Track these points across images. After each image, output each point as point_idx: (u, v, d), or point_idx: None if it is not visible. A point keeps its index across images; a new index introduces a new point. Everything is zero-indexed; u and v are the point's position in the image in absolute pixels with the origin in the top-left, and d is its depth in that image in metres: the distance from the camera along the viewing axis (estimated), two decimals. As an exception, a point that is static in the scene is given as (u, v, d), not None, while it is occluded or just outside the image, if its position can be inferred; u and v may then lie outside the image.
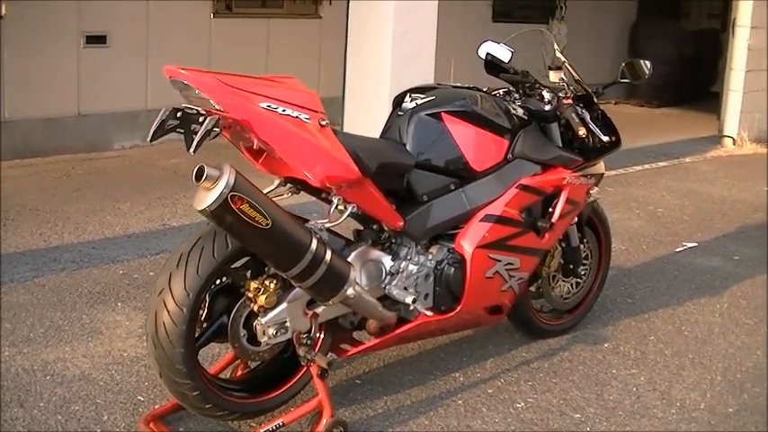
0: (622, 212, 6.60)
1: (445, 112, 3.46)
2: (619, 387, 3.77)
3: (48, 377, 3.54)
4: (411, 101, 3.48)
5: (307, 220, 3.04)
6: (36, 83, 7.00)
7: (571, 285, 4.18)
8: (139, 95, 7.58)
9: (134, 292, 4.49)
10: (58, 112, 7.14)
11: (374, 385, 3.62)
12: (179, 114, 2.82)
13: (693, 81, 12.25)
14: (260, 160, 3.09)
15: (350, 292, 3.00)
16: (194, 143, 2.69)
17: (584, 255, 4.17)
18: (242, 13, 8.26)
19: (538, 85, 3.84)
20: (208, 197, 2.67)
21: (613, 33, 12.17)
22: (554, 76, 3.86)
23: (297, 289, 3.02)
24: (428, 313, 3.35)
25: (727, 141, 9.73)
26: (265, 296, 2.97)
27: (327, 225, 3.03)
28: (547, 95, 3.80)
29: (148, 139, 2.85)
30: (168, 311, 2.85)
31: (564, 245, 4.03)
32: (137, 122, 7.51)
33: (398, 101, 3.55)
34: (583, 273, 4.16)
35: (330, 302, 3.02)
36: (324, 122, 2.94)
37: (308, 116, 2.91)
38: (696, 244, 5.97)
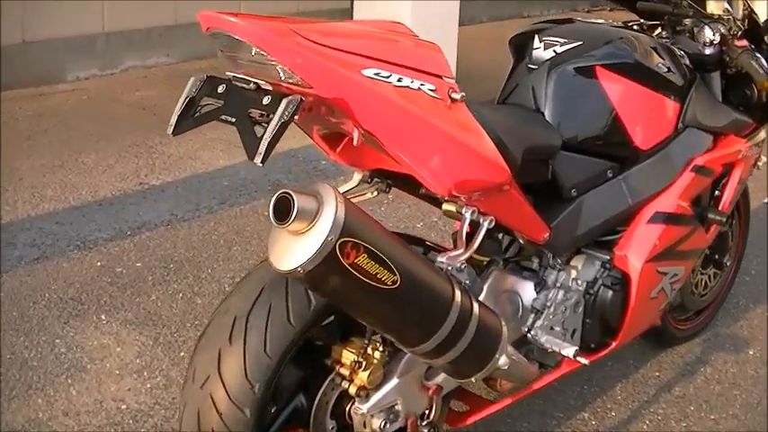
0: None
1: (601, 65, 2.32)
2: (802, 426, 2.78)
3: (17, 457, 2.45)
4: (545, 47, 2.33)
5: (440, 250, 1.95)
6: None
7: (709, 278, 3.15)
8: (95, 17, 6.26)
9: (119, 296, 3.36)
10: (-2, 39, 5.80)
11: (481, 441, 2.59)
12: (221, 89, 1.68)
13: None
14: (338, 148, 1.98)
15: (502, 361, 1.91)
16: (263, 145, 1.55)
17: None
18: None
19: (694, 19, 2.71)
20: (300, 249, 1.54)
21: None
22: (715, 6, 2.72)
23: (409, 354, 1.93)
24: (582, 360, 2.27)
25: None
26: (369, 373, 1.88)
27: (464, 257, 1.92)
28: (708, 33, 2.68)
29: (170, 131, 1.71)
30: (221, 415, 1.75)
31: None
32: (93, 49, 6.26)
33: (521, 45, 2.41)
34: (727, 262, 3.12)
35: (473, 379, 1.94)
36: (456, 95, 1.81)
37: (433, 86, 1.77)
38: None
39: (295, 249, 1.53)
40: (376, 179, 2.13)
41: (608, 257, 2.39)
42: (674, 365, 3.10)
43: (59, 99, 5.85)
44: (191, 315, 3.24)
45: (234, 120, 1.65)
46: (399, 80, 1.71)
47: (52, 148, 4.91)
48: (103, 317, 3.20)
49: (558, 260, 2.34)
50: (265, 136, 1.55)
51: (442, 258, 1.87)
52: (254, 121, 1.65)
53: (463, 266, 1.88)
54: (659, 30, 2.74)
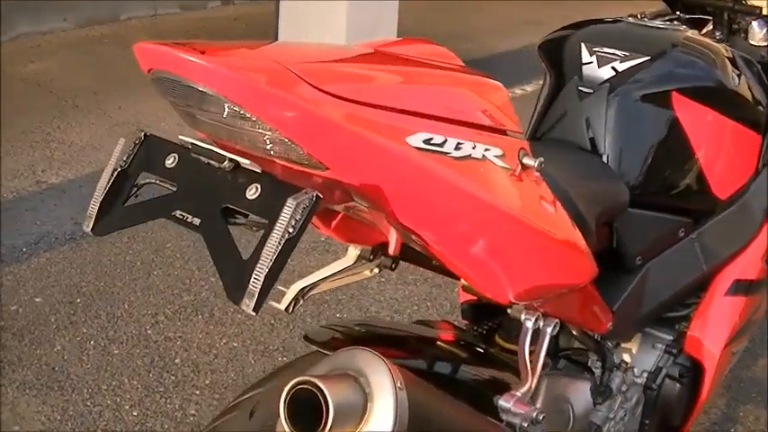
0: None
1: (678, 90, 1.71)
2: None
3: None
4: (600, 63, 1.71)
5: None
6: None
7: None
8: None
9: (15, 347, 2.69)
10: None
11: None
12: (171, 162, 1.05)
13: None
14: (333, 222, 1.35)
15: None
16: (255, 283, 0.91)
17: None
18: None
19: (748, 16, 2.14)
20: None
21: None
22: None
23: None
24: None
25: None
26: None
27: (532, 391, 1.31)
28: (759, 30, 2.11)
29: (87, 227, 1.07)
30: None
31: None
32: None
33: (559, 55, 1.78)
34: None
35: None
36: (530, 162, 1.19)
37: (500, 151, 1.15)
38: None
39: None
40: (380, 253, 1.51)
41: (671, 337, 1.83)
42: (698, 425, 2.59)
43: (-60, 72, 5.02)
44: (107, 372, 2.59)
45: (198, 222, 1.00)
46: (458, 147, 1.09)
47: (-73, 137, 4.14)
48: (-7, 379, 2.52)
49: (609, 343, 1.76)
50: (258, 266, 0.91)
51: (507, 404, 1.27)
52: (232, 221, 1.01)
53: (541, 417, 1.28)
54: (710, 27, 2.17)
